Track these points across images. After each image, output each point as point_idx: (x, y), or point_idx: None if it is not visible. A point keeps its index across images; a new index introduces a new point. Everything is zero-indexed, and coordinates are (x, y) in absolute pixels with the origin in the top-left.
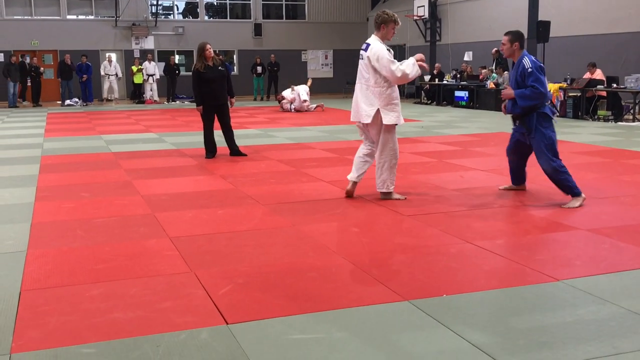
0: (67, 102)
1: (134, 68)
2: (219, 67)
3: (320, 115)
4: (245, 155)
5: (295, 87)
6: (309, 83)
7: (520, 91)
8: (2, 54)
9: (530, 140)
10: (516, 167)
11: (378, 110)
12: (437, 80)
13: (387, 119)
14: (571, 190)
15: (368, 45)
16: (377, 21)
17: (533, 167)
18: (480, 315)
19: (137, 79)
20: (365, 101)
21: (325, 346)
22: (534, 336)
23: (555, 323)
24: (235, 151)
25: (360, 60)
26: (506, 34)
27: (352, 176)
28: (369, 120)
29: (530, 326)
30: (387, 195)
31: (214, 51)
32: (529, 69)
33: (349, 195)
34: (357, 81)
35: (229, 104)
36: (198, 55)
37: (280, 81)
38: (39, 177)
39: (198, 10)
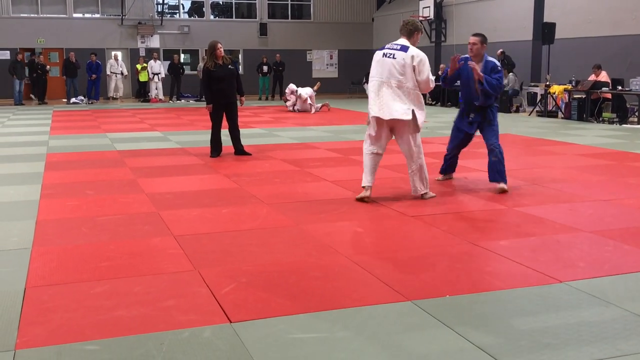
0: (73, 100)
1: (139, 66)
2: (229, 66)
3: (324, 116)
4: (250, 154)
5: (299, 90)
6: (316, 87)
7: (489, 77)
8: (8, 52)
9: (486, 127)
10: (453, 158)
11: (413, 109)
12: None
13: (421, 117)
14: (502, 175)
15: (404, 47)
16: (409, 28)
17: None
18: (483, 316)
19: (143, 77)
20: (399, 100)
21: (328, 345)
22: (537, 337)
23: (558, 324)
24: (240, 150)
25: (387, 59)
26: (476, 35)
27: (368, 181)
28: (409, 117)
29: (533, 327)
30: (423, 196)
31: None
32: (499, 67)
33: (366, 200)
34: (379, 80)
35: (238, 103)
36: (209, 54)
37: (285, 81)
38: (44, 175)
39: (204, 9)
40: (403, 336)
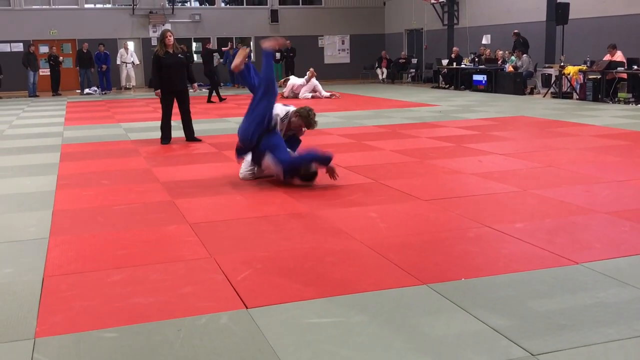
0: (86, 90)
1: None
2: (179, 55)
3: (336, 101)
4: (200, 140)
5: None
6: (309, 74)
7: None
8: (21, 44)
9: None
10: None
11: None
12: (454, 64)
13: None
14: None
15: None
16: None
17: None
18: (499, 299)
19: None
20: None
21: (343, 330)
22: (554, 319)
23: (574, 306)
24: (190, 137)
25: None
26: None
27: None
28: None
29: (550, 309)
30: None
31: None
32: None
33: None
34: None
35: (190, 90)
36: (159, 42)
37: (297, 67)
38: (60, 165)
39: None
40: (419, 320)
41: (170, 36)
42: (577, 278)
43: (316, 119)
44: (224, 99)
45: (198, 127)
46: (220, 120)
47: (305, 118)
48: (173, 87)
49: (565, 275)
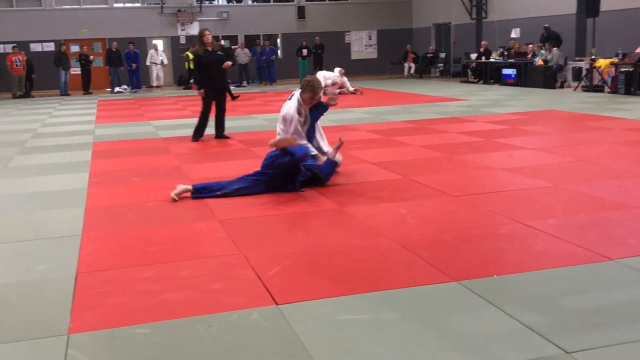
0: (117, 89)
1: (190, 55)
2: (218, 52)
3: (363, 97)
4: (229, 137)
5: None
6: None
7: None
8: (52, 44)
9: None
10: None
11: None
12: (483, 58)
13: None
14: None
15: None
16: (303, 84)
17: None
18: (531, 296)
19: (192, 65)
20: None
21: (374, 327)
22: (588, 316)
23: (610, 303)
24: (220, 134)
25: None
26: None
27: None
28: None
29: (584, 306)
30: None
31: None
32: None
33: None
34: None
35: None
36: (198, 41)
37: (325, 63)
38: (91, 163)
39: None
40: (451, 317)
41: (208, 34)
42: (611, 274)
43: (316, 82)
44: (237, 97)
45: (226, 124)
46: (248, 117)
47: (309, 87)
48: (215, 85)
49: (599, 271)
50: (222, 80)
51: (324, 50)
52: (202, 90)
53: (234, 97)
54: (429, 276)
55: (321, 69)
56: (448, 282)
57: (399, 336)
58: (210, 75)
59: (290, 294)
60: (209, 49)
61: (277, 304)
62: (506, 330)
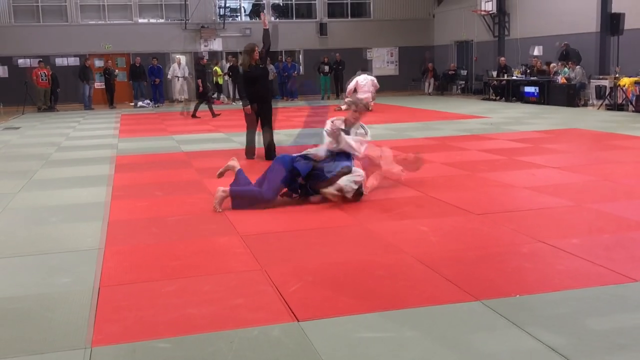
0: (140, 103)
1: (218, 70)
2: (260, 66)
3: (384, 113)
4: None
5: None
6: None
7: None
8: (77, 58)
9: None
10: None
11: None
12: (505, 75)
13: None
14: None
15: None
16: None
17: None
18: (554, 316)
19: (221, 80)
20: None
21: (395, 345)
22: (612, 338)
23: (634, 325)
24: (270, 157)
25: None
26: None
27: None
28: None
29: (608, 328)
30: None
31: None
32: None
33: None
34: None
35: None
36: (247, 56)
37: (345, 80)
38: (114, 177)
39: (264, 11)
40: (472, 336)
41: (257, 49)
42: (636, 296)
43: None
44: (217, 115)
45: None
46: None
47: (356, 104)
48: (260, 100)
49: (624, 292)
50: (266, 94)
51: (345, 66)
52: (248, 107)
53: (214, 115)
54: (451, 294)
55: (342, 86)
56: (470, 301)
57: (420, 355)
58: (256, 89)
59: (311, 311)
60: (254, 63)
61: (298, 321)
62: (529, 350)
